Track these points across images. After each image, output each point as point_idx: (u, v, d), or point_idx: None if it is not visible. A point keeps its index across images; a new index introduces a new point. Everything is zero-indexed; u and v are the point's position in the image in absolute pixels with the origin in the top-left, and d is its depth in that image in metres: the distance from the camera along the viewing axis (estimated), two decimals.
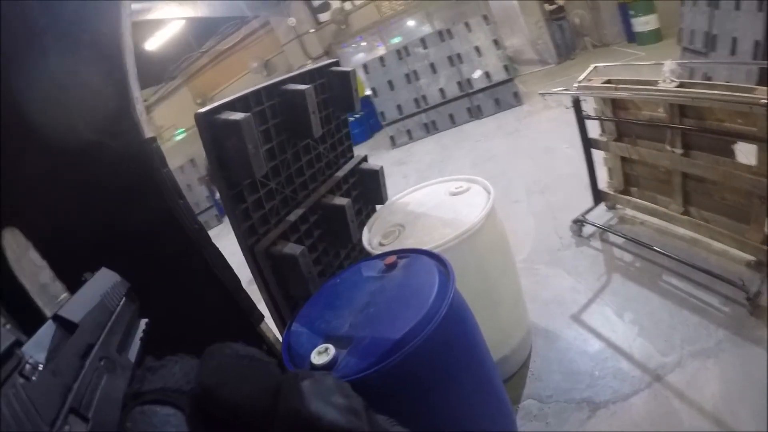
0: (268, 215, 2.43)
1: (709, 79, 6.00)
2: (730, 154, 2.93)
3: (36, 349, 0.92)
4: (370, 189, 3.19)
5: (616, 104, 3.65)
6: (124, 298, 1.29)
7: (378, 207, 3.28)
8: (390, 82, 9.60)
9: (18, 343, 0.88)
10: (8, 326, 1.07)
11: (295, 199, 2.65)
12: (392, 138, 9.75)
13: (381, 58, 9.76)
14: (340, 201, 2.74)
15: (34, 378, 0.81)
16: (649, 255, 3.48)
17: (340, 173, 3.00)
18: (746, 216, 2.95)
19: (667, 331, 2.81)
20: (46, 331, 1.00)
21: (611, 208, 4.18)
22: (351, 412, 0.72)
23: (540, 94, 3.85)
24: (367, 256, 2.63)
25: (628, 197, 3.91)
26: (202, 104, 13.81)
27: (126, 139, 2.11)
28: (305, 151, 2.73)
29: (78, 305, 1.11)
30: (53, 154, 1.96)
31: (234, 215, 2.24)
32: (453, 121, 9.45)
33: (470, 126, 9.07)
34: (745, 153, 2.85)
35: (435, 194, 3.01)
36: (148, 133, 2.16)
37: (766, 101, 2.35)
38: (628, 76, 3.51)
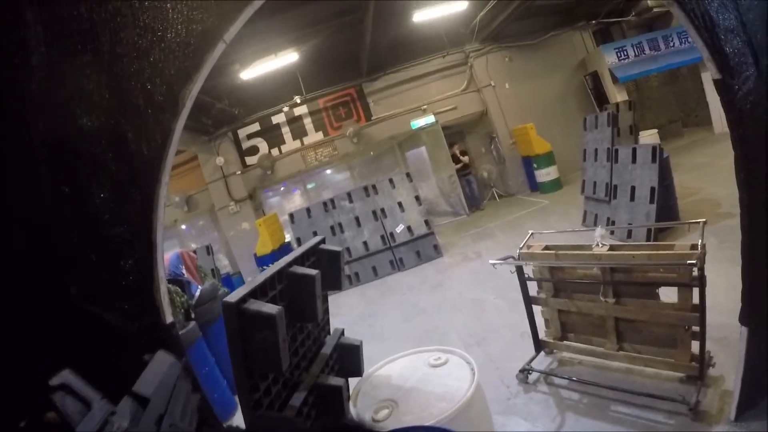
0: (274, 401, 2.37)
1: (613, 222, 7.10)
2: (655, 296, 3.59)
3: (120, 418, 1.24)
4: (349, 363, 3.19)
5: (553, 266, 4.14)
6: (179, 376, 1.50)
7: (355, 380, 3.26)
8: (314, 234, 9.79)
9: (112, 413, 1.23)
10: (104, 399, 1.29)
11: (293, 380, 2.61)
12: None
13: (308, 210, 10.11)
14: (336, 381, 2.73)
15: None
16: (594, 390, 3.81)
17: (326, 350, 3.01)
18: (673, 343, 3.55)
19: None
20: (125, 403, 1.30)
21: (549, 353, 4.48)
22: None
23: (491, 263, 4.18)
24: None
25: (566, 343, 4.29)
26: None
27: (143, 323, 2.05)
28: (300, 331, 2.74)
29: (147, 382, 1.37)
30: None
31: (247, 404, 2.16)
32: (376, 273, 9.69)
33: (393, 278, 9.35)
34: (667, 293, 3.56)
35: (415, 367, 3.07)
36: (169, 317, 2.11)
37: (692, 261, 3.04)
38: (563, 240, 4.16)
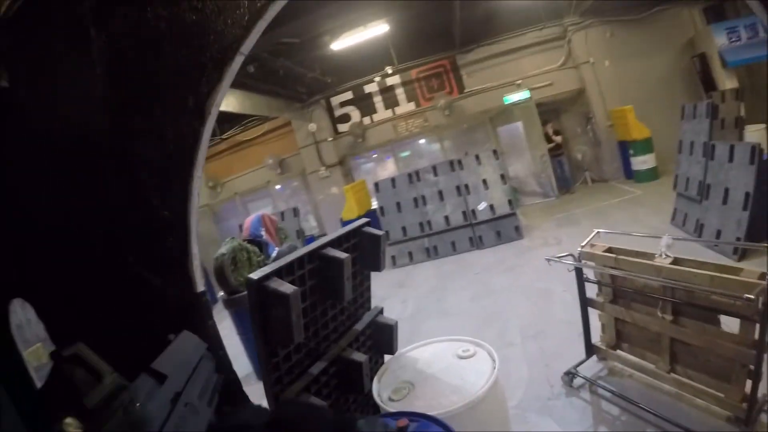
0: (294, 367, 2.60)
1: (701, 226, 6.54)
2: (716, 322, 3.25)
3: (135, 392, 1.27)
4: (383, 341, 3.37)
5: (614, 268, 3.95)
6: (203, 357, 1.61)
7: (387, 357, 3.43)
8: (398, 204, 10.06)
9: (123, 386, 1.29)
10: (115, 373, 1.36)
11: (318, 351, 2.83)
12: (393, 258, 10.01)
13: (392, 180, 10.30)
14: (359, 357, 2.92)
15: (134, 411, 1.16)
16: (635, 410, 3.62)
17: (359, 326, 3.20)
18: (727, 377, 3.21)
19: None
20: (143, 379, 1.35)
21: (601, 359, 4.35)
22: None
23: (546, 260, 4.12)
24: (375, 407, 2.77)
25: (619, 352, 4.12)
26: (214, 188, 14.35)
27: (180, 289, 2.35)
28: (332, 306, 2.94)
29: (167, 360, 1.44)
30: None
31: (266, 368, 2.40)
32: (454, 249, 9.77)
33: (471, 256, 9.38)
34: (729, 323, 3.18)
35: (442, 355, 3.17)
36: (200, 286, 2.41)
37: (749, 296, 2.69)
38: (628, 242, 3.88)
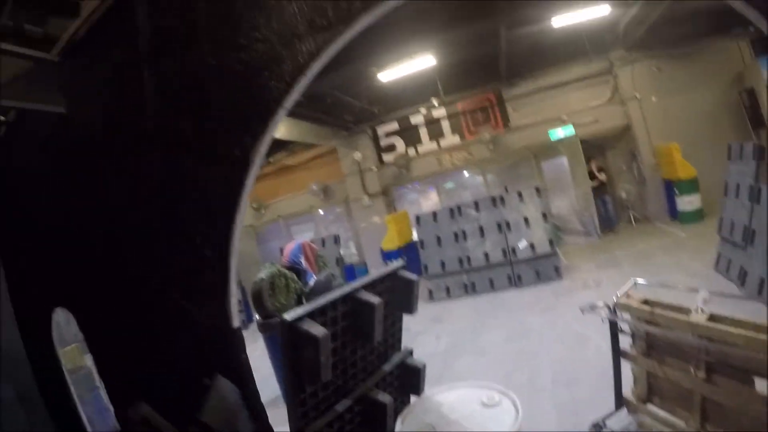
0: (320, 404, 2.68)
1: (745, 273, 6.24)
2: (751, 383, 3.08)
3: None
4: (410, 382, 3.40)
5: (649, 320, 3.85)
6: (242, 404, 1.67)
7: (413, 398, 3.46)
8: (438, 238, 10.09)
9: None
10: None
11: (345, 389, 2.90)
12: (431, 292, 10.01)
13: (434, 214, 10.35)
14: (384, 398, 2.97)
15: None
16: None
17: (388, 367, 3.25)
18: None
19: None
20: None
21: (632, 412, 4.21)
22: None
23: (580, 309, 4.08)
24: None
25: (650, 406, 3.98)
26: (258, 209, 14.74)
27: (217, 323, 2.48)
28: (361, 346, 3.01)
29: (213, 410, 1.49)
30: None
31: (292, 403, 2.49)
32: (492, 286, 9.70)
33: (508, 294, 9.28)
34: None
35: (467, 401, 3.15)
36: (236, 322, 2.53)
37: None
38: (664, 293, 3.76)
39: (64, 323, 3.63)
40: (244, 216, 2.32)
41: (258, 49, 2.16)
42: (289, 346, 2.37)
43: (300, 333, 2.33)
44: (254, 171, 2.17)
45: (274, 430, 2.67)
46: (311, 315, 2.47)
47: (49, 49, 2.72)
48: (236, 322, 2.45)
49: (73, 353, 4.92)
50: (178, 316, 2.50)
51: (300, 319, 2.39)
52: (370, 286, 2.97)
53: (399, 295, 3.28)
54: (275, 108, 2.08)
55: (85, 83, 2.73)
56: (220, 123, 2.27)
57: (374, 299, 2.78)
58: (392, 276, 3.26)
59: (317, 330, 2.32)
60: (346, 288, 2.83)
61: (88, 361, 4.87)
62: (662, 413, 3.89)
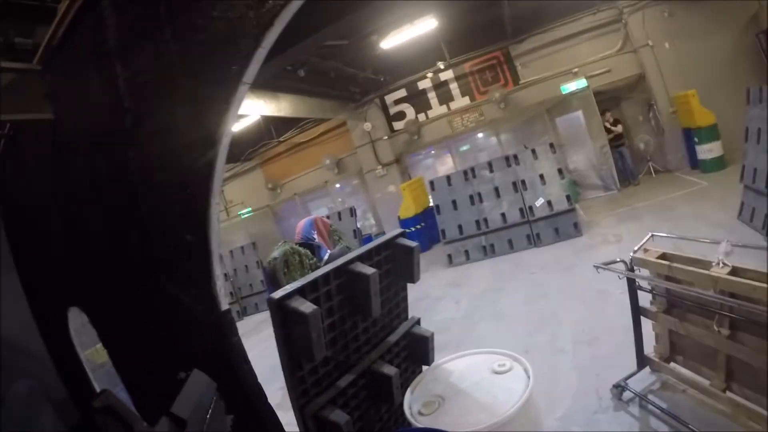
0: (321, 380, 2.63)
1: None
2: None
3: None
4: (418, 352, 3.34)
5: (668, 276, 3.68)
6: (215, 398, 1.68)
7: (423, 368, 3.40)
8: (454, 202, 9.94)
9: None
10: (144, 422, 1.43)
11: (347, 363, 2.84)
12: (450, 256, 9.95)
13: (448, 177, 10.17)
14: (389, 370, 2.91)
15: None
16: (685, 431, 3.33)
17: (393, 337, 3.19)
18: None
19: None
20: (163, 423, 1.40)
21: (655, 371, 4.09)
22: None
23: (594, 266, 3.93)
24: (404, 420, 2.75)
25: (673, 365, 3.85)
26: (273, 189, 14.76)
27: (206, 307, 2.44)
28: (363, 319, 2.94)
29: (183, 404, 1.52)
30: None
31: (291, 381, 2.44)
32: (511, 247, 9.56)
33: (528, 254, 9.15)
34: None
35: (478, 368, 3.08)
36: (224, 305, 2.48)
37: None
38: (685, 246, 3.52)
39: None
40: (218, 195, 2.25)
41: (216, 28, 2.07)
42: (281, 324, 2.31)
43: (288, 310, 2.27)
44: (223, 151, 2.09)
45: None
46: (302, 291, 2.41)
47: (31, 59, 2.72)
48: (225, 305, 2.40)
49: (101, 350, 5.03)
50: (168, 302, 2.47)
51: (289, 296, 2.33)
52: (365, 257, 2.88)
53: (399, 264, 3.19)
54: (235, 84, 1.99)
55: (68, 87, 2.71)
56: (189, 106, 2.20)
57: (368, 270, 2.69)
58: (390, 245, 3.17)
59: (306, 307, 2.25)
60: (339, 260, 2.75)
61: None
62: (686, 372, 3.75)
